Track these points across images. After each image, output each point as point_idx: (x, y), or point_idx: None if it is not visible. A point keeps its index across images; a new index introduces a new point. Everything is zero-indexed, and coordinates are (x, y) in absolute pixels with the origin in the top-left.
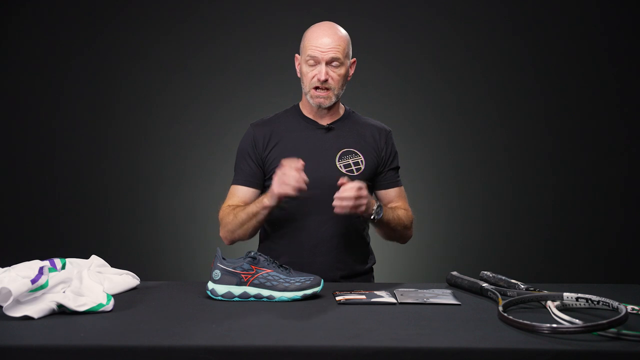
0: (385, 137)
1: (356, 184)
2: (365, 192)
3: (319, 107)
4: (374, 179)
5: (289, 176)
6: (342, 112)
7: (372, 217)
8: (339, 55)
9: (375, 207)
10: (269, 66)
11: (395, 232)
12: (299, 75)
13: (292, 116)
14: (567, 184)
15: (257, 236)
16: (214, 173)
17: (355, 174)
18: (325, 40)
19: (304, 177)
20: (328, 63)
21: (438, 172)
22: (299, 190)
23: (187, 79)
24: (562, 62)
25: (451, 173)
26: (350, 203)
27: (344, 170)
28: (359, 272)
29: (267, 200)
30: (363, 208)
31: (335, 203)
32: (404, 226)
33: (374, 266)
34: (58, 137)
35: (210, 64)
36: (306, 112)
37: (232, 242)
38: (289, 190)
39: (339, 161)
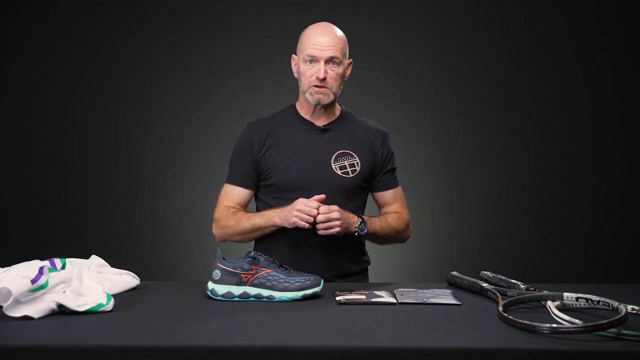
0: (381, 138)
1: (324, 209)
2: (336, 214)
3: (318, 103)
4: (371, 181)
5: (309, 214)
6: (338, 113)
7: (355, 233)
8: (338, 54)
9: (357, 224)
10: (269, 66)
11: (388, 239)
12: (295, 75)
13: (288, 116)
14: (567, 184)
15: None
16: (214, 173)
17: (351, 175)
18: (324, 39)
19: (321, 214)
20: (327, 62)
21: (438, 172)
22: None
23: (187, 79)
24: (562, 62)
25: (451, 173)
26: (323, 226)
27: (339, 172)
28: (353, 272)
29: (278, 220)
30: (339, 229)
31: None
32: (395, 231)
33: (368, 267)
34: (58, 137)
35: (210, 64)
36: (303, 112)
37: (225, 241)
38: (304, 224)
39: (334, 163)
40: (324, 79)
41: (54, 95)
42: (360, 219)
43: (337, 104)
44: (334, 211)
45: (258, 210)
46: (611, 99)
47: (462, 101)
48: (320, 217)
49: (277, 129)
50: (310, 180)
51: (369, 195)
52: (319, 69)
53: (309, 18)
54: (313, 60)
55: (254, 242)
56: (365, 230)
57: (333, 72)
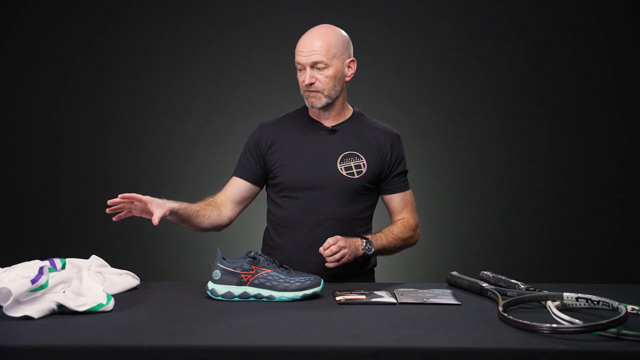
0: (391, 141)
1: (330, 240)
2: (342, 242)
3: (312, 107)
4: (379, 183)
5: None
6: (349, 114)
7: (363, 254)
8: (322, 58)
9: (363, 245)
10: (269, 66)
11: (397, 249)
12: None
13: (299, 117)
14: (567, 184)
15: (261, 234)
16: (214, 173)
17: (356, 176)
18: (306, 44)
19: (332, 247)
20: (312, 67)
21: (438, 173)
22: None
23: (187, 79)
24: (562, 62)
25: (451, 173)
26: (337, 257)
27: (344, 173)
28: (356, 274)
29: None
30: (349, 256)
31: (327, 265)
32: (402, 240)
33: (374, 268)
34: (58, 137)
35: (210, 64)
36: (312, 113)
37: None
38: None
39: (340, 163)
40: (312, 84)
41: (55, 95)
42: (364, 240)
43: (348, 104)
44: (339, 240)
45: (268, 209)
46: (611, 99)
47: (462, 101)
48: (333, 249)
49: (287, 129)
50: (314, 180)
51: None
52: (305, 75)
53: (309, 18)
54: (301, 66)
55: (262, 240)
56: (373, 250)
57: (321, 76)
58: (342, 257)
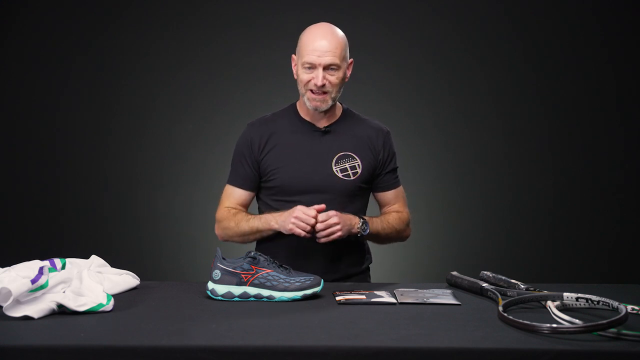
0: (383, 138)
1: (322, 216)
2: (335, 219)
3: (315, 110)
4: (372, 182)
5: (306, 222)
6: (339, 112)
7: (358, 234)
8: (336, 60)
9: (359, 225)
10: (269, 66)
11: (389, 239)
12: (295, 76)
13: (289, 117)
14: (567, 184)
15: None
16: (214, 173)
17: (352, 178)
18: (321, 44)
19: (319, 222)
20: (325, 68)
21: (438, 173)
22: (310, 234)
23: (187, 79)
24: (562, 62)
25: (451, 173)
26: (324, 233)
27: (340, 175)
28: (354, 274)
29: (275, 224)
30: (340, 233)
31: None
32: (396, 231)
33: (370, 266)
34: (58, 137)
35: (210, 64)
36: (303, 113)
37: (227, 241)
38: (300, 232)
39: (335, 165)
40: (323, 86)
41: (55, 95)
42: (362, 220)
43: (338, 102)
44: (332, 216)
45: (260, 210)
46: (611, 99)
47: (462, 101)
48: (319, 226)
49: (278, 130)
50: (311, 184)
51: (371, 195)
52: (317, 76)
53: (309, 18)
54: (311, 66)
55: (255, 244)
56: (368, 231)
57: (332, 78)
58: (331, 234)
